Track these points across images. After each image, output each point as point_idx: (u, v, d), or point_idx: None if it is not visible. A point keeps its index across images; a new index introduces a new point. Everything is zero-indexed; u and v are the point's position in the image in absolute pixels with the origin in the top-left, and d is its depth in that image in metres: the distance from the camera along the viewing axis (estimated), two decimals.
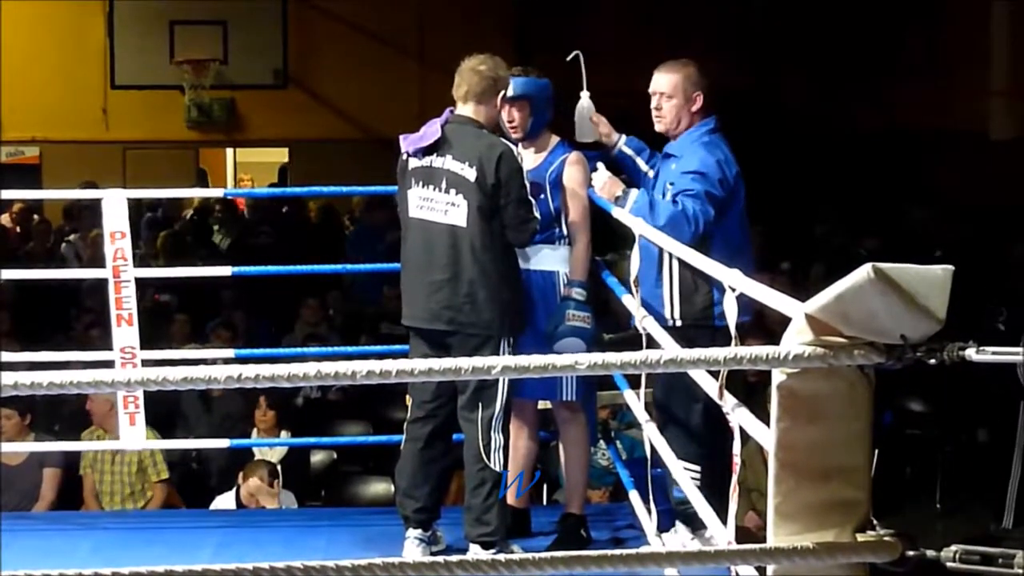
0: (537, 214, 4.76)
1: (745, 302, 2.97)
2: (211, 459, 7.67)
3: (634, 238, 4.38)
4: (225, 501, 6.84)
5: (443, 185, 4.72)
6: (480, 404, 4.69)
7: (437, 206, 4.73)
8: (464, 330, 4.68)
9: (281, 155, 18.26)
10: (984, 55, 14.12)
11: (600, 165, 4.97)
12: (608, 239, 5.01)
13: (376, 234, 12.65)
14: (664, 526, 4.68)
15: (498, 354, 4.62)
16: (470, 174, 4.67)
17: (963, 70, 14.38)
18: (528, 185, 4.75)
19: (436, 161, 4.75)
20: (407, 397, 4.91)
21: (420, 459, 4.83)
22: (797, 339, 2.30)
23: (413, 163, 4.81)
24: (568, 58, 5.03)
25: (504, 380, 4.64)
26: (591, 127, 5.12)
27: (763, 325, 6.85)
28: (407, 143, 4.82)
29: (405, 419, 4.94)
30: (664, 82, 4.87)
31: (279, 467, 7.02)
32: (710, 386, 3.07)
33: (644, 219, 4.52)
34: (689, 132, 4.85)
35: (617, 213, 4.72)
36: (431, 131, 4.76)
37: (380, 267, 6.48)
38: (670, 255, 4.63)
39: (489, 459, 4.69)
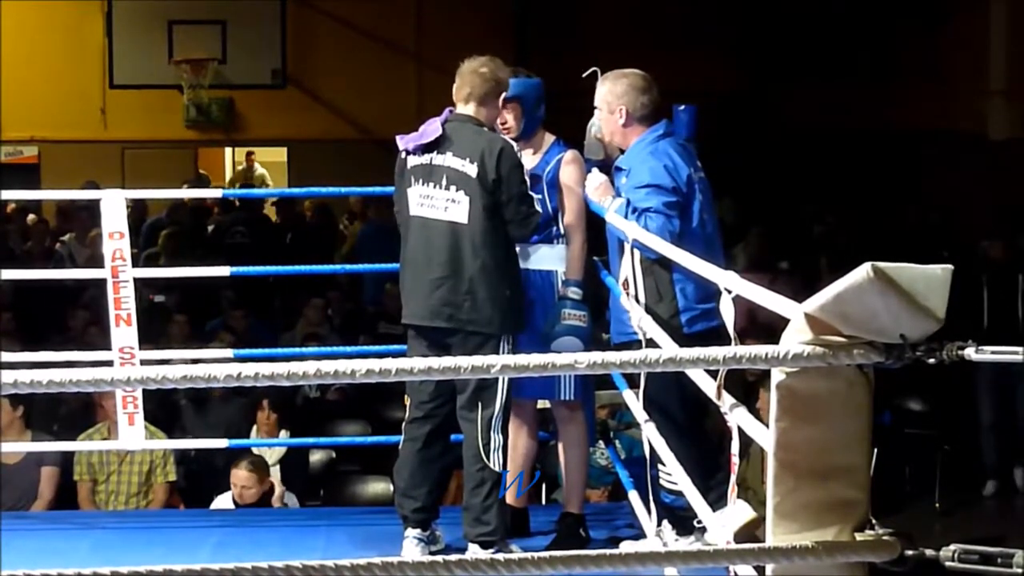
0: (539, 208, 4.77)
1: (713, 308, 2.94)
2: (210, 459, 7.66)
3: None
4: (224, 501, 6.84)
5: (443, 182, 4.71)
6: (480, 404, 4.69)
7: (437, 203, 4.73)
8: (464, 327, 4.67)
9: (280, 155, 18.27)
10: (983, 55, 14.13)
11: (595, 169, 4.97)
12: (605, 239, 5.00)
13: (389, 233, 12.54)
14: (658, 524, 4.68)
15: (498, 353, 4.62)
16: (471, 170, 4.68)
17: (962, 70, 14.38)
18: (528, 180, 4.76)
19: (436, 158, 4.74)
20: (406, 397, 4.91)
21: (419, 459, 4.83)
22: (796, 338, 2.30)
23: (412, 161, 4.80)
24: (584, 75, 5.00)
25: (503, 379, 4.64)
26: (598, 145, 5.08)
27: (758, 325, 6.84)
28: (405, 141, 4.82)
29: (403, 419, 4.94)
30: (596, 93, 4.84)
31: (278, 466, 7.01)
32: (708, 386, 3.07)
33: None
34: (636, 143, 4.76)
35: (610, 217, 4.72)
36: (431, 129, 4.76)
37: (381, 267, 6.47)
38: (632, 267, 4.61)
39: (488, 459, 4.69)
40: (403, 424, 4.93)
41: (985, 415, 9.19)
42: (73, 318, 9.74)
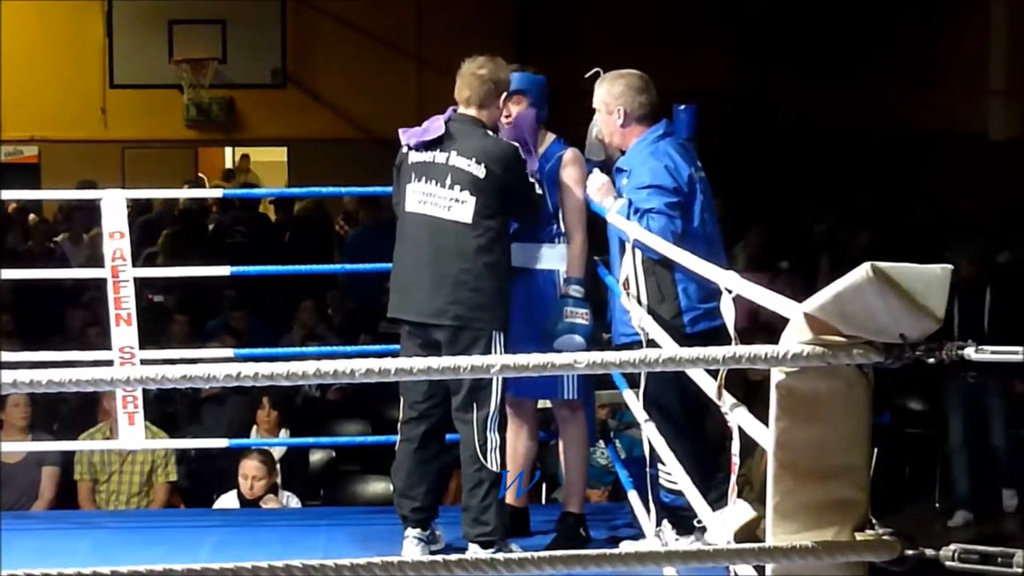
0: (539, 190, 4.82)
1: (716, 308, 2.94)
2: (211, 459, 7.66)
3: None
4: (226, 501, 6.84)
5: (447, 181, 4.70)
6: (475, 404, 4.67)
7: (440, 201, 4.71)
8: (471, 325, 4.65)
9: (280, 154, 18.27)
10: (982, 55, 14.13)
11: (596, 169, 4.97)
12: (605, 238, 5.00)
13: (377, 235, 12.55)
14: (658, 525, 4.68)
15: (490, 350, 4.64)
16: (478, 171, 4.67)
17: (961, 70, 14.39)
18: (532, 178, 4.80)
19: (439, 156, 4.73)
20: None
21: (416, 459, 4.82)
22: (796, 338, 2.30)
23: (414, 157, 4.79)
24: (587, 75, 5.01)
25: (498, 379, 4.63)
26: (599, 146, 5.08)
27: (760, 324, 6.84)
28: (407, 136, 4.81)
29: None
30: (595, 95, 4.85)
31: (278, 466, 7.01)
32: (709, 386, 3.07)
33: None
34: (636, 143, 4.77)
35: (611, 217, 4.72)
36: (435, 126, 4.75)
37: (382, 267, 6.46)
38: (634, 267, 4.61)
39: (486, 459, 4.68)
40: (398, 424, 4.92)
41: (954, 437, 8.78)
42: (72, 318, 9.74)
